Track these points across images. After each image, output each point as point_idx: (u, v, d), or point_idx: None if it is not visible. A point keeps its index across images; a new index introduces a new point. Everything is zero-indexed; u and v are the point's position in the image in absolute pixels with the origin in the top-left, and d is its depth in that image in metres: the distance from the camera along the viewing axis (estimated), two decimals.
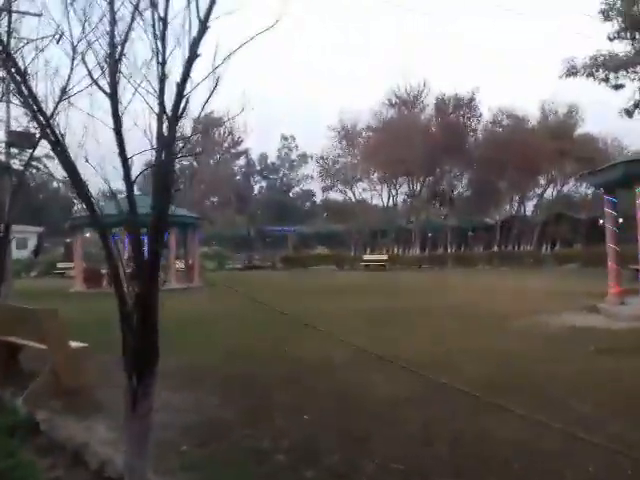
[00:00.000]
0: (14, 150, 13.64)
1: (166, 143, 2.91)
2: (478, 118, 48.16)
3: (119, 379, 3.30)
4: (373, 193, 50.86)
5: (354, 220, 48.31)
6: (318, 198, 67.68)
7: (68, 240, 44.38)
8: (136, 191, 3.12)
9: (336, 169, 51.25)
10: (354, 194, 51.15)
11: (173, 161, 3.06)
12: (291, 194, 72.43)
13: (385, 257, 38.09)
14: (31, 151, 7.21)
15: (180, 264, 28.49)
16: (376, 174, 48.77)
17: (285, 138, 68.31)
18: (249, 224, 52.96)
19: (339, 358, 7.40)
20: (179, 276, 23.31)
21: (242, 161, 64.88)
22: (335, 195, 54.87)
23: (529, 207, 51.87)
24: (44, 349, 5.91)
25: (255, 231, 53.21)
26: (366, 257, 38.84)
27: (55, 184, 56.16)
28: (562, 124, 46.12)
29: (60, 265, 35.34)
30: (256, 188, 71.43)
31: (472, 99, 47.21)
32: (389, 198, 50.08)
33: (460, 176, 50.34)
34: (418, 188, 49.07)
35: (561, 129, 45.32)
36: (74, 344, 6.00)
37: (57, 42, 3.94)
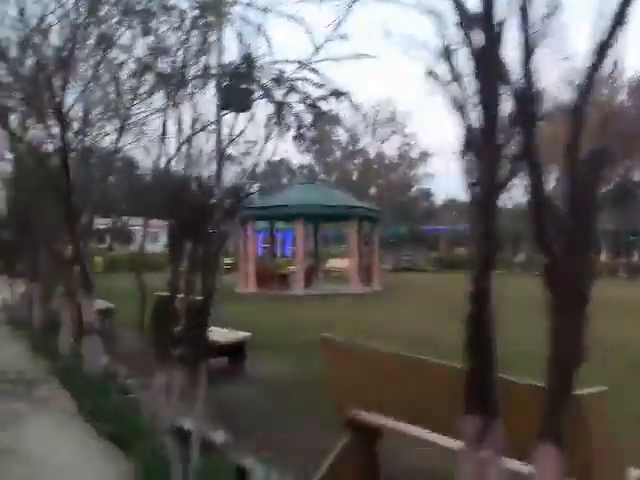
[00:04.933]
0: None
1: None
2: None
3: None
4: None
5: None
6: (438, 198, 65.75)
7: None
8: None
9: None
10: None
11: None
12: (409, 194, 69.95)
13: None
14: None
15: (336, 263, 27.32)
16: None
17: (405, 135, 65.25)
18: (400, 222, 51.25)
19: None
20: (357, 278, 21.28)
21: (359, 159, 63.38)
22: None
23: None
24: None
25: (407, 230, 51.02)
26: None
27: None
28: None
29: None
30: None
31: None
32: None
33: None
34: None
35: None
36: None
37: None
